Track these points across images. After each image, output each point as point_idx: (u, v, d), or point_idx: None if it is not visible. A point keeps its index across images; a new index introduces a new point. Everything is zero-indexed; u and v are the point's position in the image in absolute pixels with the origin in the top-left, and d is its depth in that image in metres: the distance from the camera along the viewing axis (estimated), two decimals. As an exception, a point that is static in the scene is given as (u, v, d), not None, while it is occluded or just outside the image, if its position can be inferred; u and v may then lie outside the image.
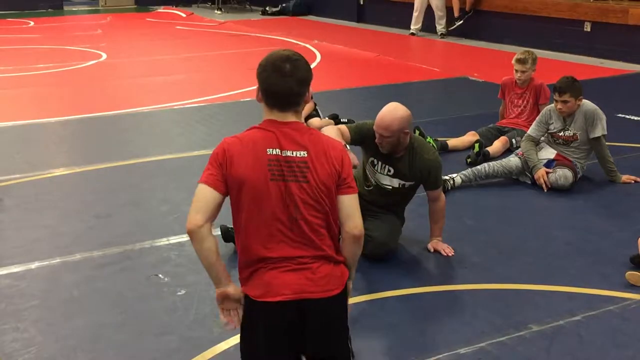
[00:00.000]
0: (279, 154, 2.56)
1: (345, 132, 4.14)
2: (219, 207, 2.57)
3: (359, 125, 4.27)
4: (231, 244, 4.15)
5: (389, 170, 4.19)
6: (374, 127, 4.06)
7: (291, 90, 2.57)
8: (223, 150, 2.60)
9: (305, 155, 2.58)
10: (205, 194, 2.57)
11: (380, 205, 4.23)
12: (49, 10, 18.75)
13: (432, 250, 4.30)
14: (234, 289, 2.65)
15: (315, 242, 2.59)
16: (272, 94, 2.59)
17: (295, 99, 2.61)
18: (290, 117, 2.62)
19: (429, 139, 6.16)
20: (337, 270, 2.63)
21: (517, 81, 6.28)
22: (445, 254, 4.23)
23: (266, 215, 2.56)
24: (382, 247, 4.13)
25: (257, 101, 2.67)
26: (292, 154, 2.57)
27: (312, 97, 6.95)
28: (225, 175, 2.57)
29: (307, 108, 6.87)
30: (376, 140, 4.08)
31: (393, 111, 4.02)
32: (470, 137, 6.33)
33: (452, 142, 6.31)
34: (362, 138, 4.19)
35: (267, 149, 2.57)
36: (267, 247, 2.58)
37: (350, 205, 2.65)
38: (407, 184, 4.21)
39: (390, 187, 4.21)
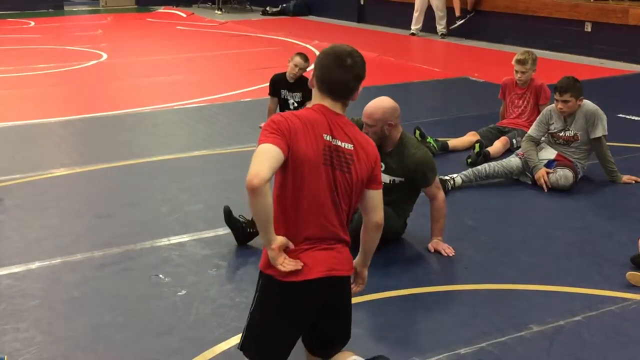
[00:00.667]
0: (331, 141, 2.70)
1: None
2: (276, 169, 2.61)
3: (355, 119, 4.29)
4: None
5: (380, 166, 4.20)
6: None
7: (347, 83, 2.73)
8: (286, 120, 2.66)
9: (352, 148, 2.73)
10: (273, 152, 2.58)
11: None
12: (50, 10, 18.75)
13: (432, 250, 4.29)
14: (282, 237, 2.68)
15: (343, 227, 2.78)
16: (328, 83, 2.73)
17: (348, 93, 2.76)
18: (339, 108, 2.77)
19: (429, 139, 6.16)
20: (350, 253, 2.85)
21: (518, 81, 6.28)
22: (446, 254, 4.23)
23: (314, 196, 2.69)
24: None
25: (309, 86, 2.81)
26: (342, 144, 2.72)
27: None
28: (289, 146, 2.62)
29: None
30: (363, 131, 4.09)
31: (379, 102, 4.14)
32: (471, 137, 6.33)
33: (453, 142, 6.31)
34: None
35: (323, 134, 2.69)
36: (309, 226, 2.70)
37: (377, 198, 2.85)
38: (397, 179, 4.22)
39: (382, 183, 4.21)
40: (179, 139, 6.89)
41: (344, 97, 2.76)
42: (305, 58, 6.78)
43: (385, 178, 4.20)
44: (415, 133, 6.19)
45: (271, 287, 2.70)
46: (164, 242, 4.48)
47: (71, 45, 12.70)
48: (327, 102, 2.74)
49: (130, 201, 5.23)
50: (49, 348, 3.34)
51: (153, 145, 6.63)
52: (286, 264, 2.64)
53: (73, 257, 4.28)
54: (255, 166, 2.53)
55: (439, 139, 6.26)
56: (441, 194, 4.29)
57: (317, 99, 2.77)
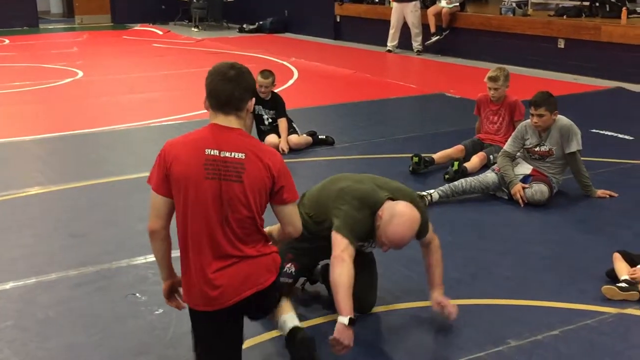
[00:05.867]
0: (217, 154, 2.78)
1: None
2: (172, 208, 2.86)
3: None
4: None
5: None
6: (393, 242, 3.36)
7: (232, 93, 2.81)
8: (164, 151, 2.86)
9: (243, 157, 2.79)
10: (158, 202, 2.85)
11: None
12: (25, 28, 18.65)
13: (438, 307, 3.62)
14: (178, 280, 3.01)
15: (241, 240, 2.83)
16: (215, 96, 2.83)
17: (236, 103, 2.83)
18: (233, 122, 2.84)
19: (422, 168, 6.08)
20: (261, 262, 2.92)
21: (491, 98, 6.33)
22: (449, 315, 3.57)
23: (201, 212, 2.77)
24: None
25: (205, 109, 2.89)
26: (230, 155, 2.78)
27: (286, 115, 6.98)
28: (168, 176, 2.81)
29: (283, 126, 6.87)
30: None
31: (406, 230, 3.33)
32: (457, 152, 6.28)
33: (438, 157, 6.24)
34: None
35: (206, 149, 2.78)
36: (204, 245, 2.80)
37: (286, 212, 2.94)
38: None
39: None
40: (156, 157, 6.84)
41: (234, 109, 2.83)
42: (267, 75, 6.81)
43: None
44: (413, 158, 6.12)
45: (193, 315, 2.92)
46: (140, 260, 4.44)
47: (47, 63, 12.62)
48: (219, 119, 2.84)
49: (106, 220, 5.19)
50: (23, 369, 3.29)
51: (129, 163, 6.59)
52: (168, 303, 3.09)
53: (48, 277, 4.23)
54: (150, 216, 2.88)
55: (424, 155, 6.18)
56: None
57: (211, 118, 2.87)
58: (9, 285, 4.13)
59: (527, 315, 3.74)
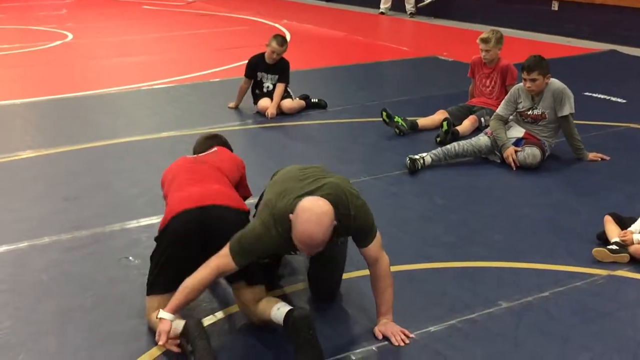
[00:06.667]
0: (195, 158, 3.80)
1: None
2: None
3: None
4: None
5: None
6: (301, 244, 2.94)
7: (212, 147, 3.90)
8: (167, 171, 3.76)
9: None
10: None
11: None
12: (13, -11, 18.35)
13: (380, 336, 3.20)
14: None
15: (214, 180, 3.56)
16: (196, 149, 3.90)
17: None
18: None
19: (397, 118, 6.16)
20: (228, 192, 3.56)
21: (484, 60, 6.30)
22: (398, 343, 3.15)
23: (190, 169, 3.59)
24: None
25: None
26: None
27: (287, 81, 6.93)
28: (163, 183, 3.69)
29: (278, 92, 6.81)
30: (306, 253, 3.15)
31: (315, 226, 2.85)
32: (440, 115, 6.33)
33: (423, 121, 6.32)
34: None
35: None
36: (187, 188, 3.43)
37: None
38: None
39: None
40: (147, 120, 6.82)
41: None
42: (282, 42, 6.78)
43: None
44: (382, 115, 6.19)
45: (168, 226, 3.28)
46: (133, 224, 4.44)
47: (35, 25, 12.48)
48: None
49: (98, 183, 5.17)
50: (17, 332, 3.30)
51: (121, 127, 6.56)
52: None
53: (40, 241, 4.23)
54: None
55: (409, 118, 6.27)
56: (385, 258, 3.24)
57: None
58: (1, 249, 4.13)
59: (518, 277, 3.77)
